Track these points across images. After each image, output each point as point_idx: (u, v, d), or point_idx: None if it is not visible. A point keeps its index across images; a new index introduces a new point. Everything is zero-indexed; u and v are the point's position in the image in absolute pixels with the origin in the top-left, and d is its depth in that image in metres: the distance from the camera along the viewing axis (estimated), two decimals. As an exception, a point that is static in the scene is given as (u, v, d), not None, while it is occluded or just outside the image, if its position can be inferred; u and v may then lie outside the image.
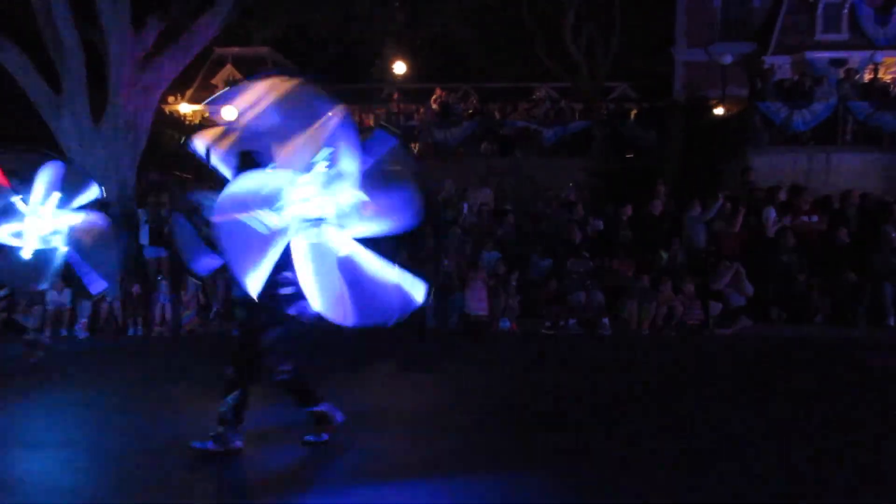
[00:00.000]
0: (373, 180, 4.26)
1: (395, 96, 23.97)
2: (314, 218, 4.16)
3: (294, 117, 4.09)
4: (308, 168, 4.14)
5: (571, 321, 9.90)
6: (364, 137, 4.33)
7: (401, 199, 4.33)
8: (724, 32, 25.19)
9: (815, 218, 11.26)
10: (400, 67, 24.05)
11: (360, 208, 4.24)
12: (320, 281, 4.17)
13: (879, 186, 12.86)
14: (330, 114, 4.13)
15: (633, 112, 17.69)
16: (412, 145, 17.11)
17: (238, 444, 4.58)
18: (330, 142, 4.13)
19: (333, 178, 4.17)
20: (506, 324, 9.87)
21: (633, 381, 7.01)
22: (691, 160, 13.89)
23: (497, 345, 9.19)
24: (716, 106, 16.83)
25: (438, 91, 18.59)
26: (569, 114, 17.49)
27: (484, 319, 9.74)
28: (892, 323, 9.89)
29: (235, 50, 28.42)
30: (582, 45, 24.31)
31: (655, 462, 4.60)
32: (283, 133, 4.10)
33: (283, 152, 4.11)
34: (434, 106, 17.81)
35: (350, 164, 4.19)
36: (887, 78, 19.42)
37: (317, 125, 4.08)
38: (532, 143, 16.57)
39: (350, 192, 4.22)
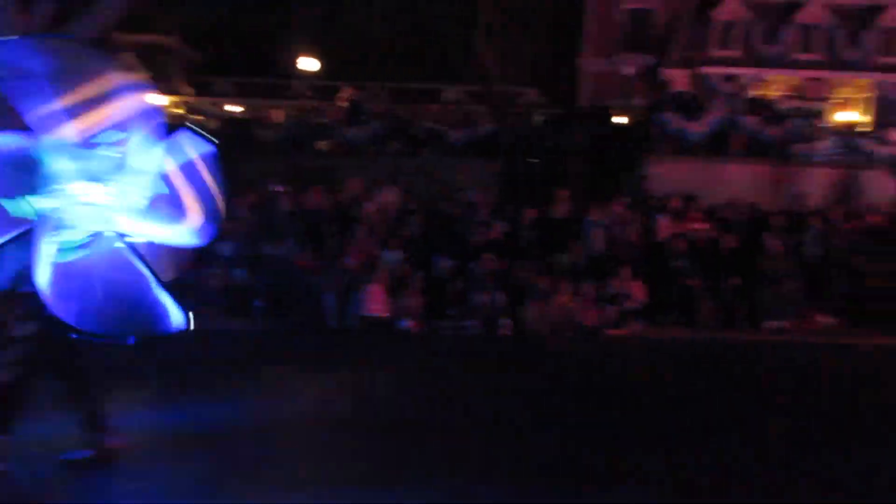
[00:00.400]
0: (175, 181, 3.86)
1: (307, 93, 23.66)
2: (91, 204, 3.72)
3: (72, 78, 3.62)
4: (89, 146, 3.68)
5: (473, 322, 10.00)
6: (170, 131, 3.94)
7: (202, 211, 3.89)
8: (628, 44, 26.17)
9: (705, 225, 11.83)
10: (312, 64, 23.73)
11: (150, 208, 3.81)
12: (74, 281, 3.71)
13: (766, 197, 13.59)
14: (116, 84, 3.71)
15: (540, 117, 18.11)
16: (322, 143, 16.93)
17: (114, 442, 4.36)
18: (123, 126, 3.72)
19: (120, 166, 3.75)
20: (406, 324, 9.87)
21: (523, 382, 7.15)
22: (593, 167, 14.32)
23: (393, 346, 9.14)
24: (617, 115, 17.42)
25: (347, 89, 18.46)
26: (478, 117, 17.73)
27: (381, 320, 9.71)
28: (770, 326, 10.48)
29: (137, 37, 27.33)
30: (494, 49, 24.64)
31: (530, 463, 4.70)
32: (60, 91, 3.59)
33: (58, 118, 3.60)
34: (343, 104, 17.67)
35: (143, 158, 3.80)
36: (775, 95, 20.65)
37: (96, 91, 3.63)
38: (441, 144, 16.67)
39: (139, 190, 3.80)
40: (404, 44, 25.36)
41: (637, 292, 10.37)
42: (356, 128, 16.24)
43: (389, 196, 12.75)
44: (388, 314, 9.79)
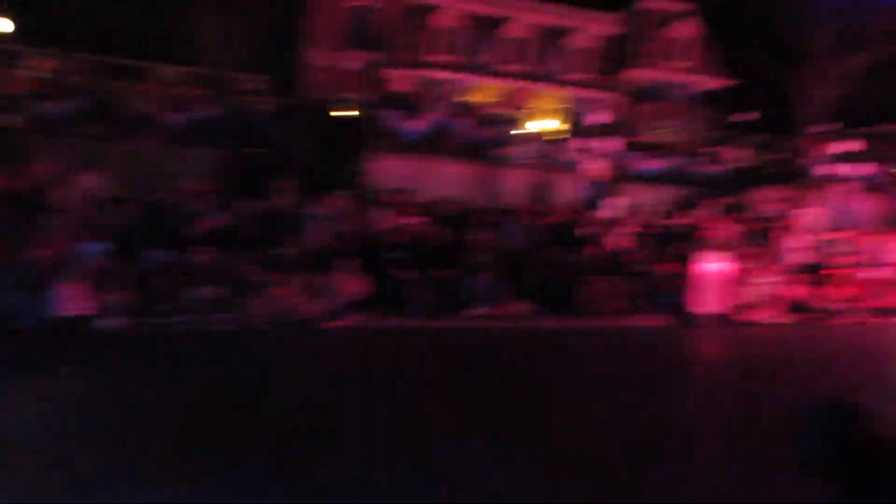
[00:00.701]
0: None
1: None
2: None
3: None
4: None
5: (188, 317, 9.54)
6: None
7: None
8: (352, 40, 26.67)
9: (420, 220, 12.54)
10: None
11: None
12: None
13: (475, 194, 14.75)
14: None
15: (266, 107, 17.73)
16: (7, 117, 14.84)
17: None
18: None
19: None
20: (112, 321, 9.10)
21: (234, 378, 7.02)
22: (316, 159, 14.40)
23: (94, 347, 8.39)
24: (341, 109, 17.68)
25: (45, 59, 16.43)
26: (199, 101, 16.82)
27: (82, 319, 8.84)
28: (476, 312, 11.42)
29: None
30: (214, 30, 23.51)
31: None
32: None
33: None
34: (39, 74, 15.68)
35: None
36: (488, 100, 22.46)
37: None
38: (156, 127, 15.54)
39: None
40: (110, 13, 23.14)
41: (356, 284, 10.67)
42: (51, 103, 14.50)
43: (90, 182, 11.61)
44: (90, 312, 8.93)
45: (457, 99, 17.13)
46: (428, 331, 10.31)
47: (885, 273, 13.53)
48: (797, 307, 12.57)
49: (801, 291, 12.77)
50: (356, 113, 15.96)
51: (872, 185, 17.37)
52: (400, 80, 25.53)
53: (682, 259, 12.55)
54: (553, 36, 30.79)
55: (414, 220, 12.45)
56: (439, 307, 11.34)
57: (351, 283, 10.58)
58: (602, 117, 21.02)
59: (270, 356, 8.36)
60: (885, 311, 13.06)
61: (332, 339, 9.59)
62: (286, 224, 11.45)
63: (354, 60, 23.09)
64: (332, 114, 16.09)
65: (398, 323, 10.58)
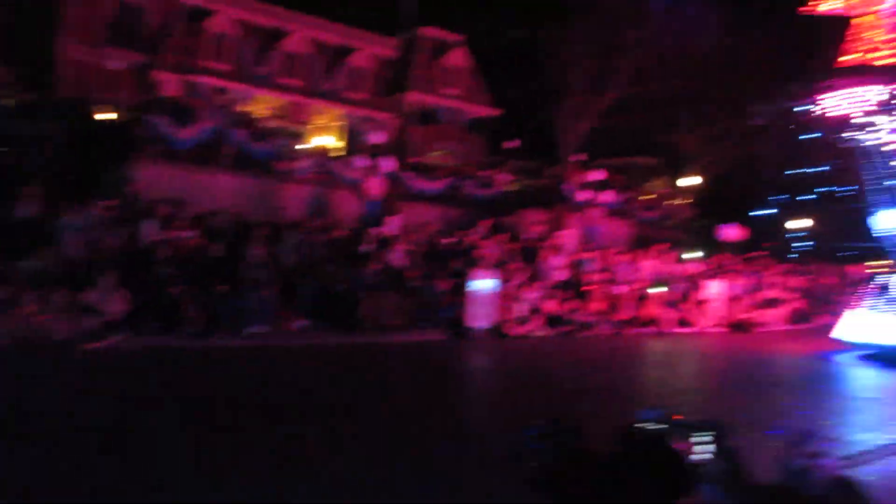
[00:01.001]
0: None
1: None
2: None
3: None
4: None
5: None
6: None
7: None
8: (116, 38, 24.58)
9: (191, 233, 11.82)
10: None
11: None
12: None
13: (250, 207, 14.23)
14: None
15: (9, 101, 15.68)
16: None
17: None
18: None
19: None
20: None
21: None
22: (70, 163, 13.06)
23: None
24: (101, 111, 16.21)
25: None
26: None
27: None
28: (252, 330, 10.96)
29: None
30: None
31: None
32: None
33: None
34: None
35: None
36: (261, 113, 21.85)
37: None
38: None
39: None
40: None
41: (118, 301, 9.78)
42: None
43: None
44: None
45: (232, 109, 16.43)
46: (198, 351, 9.68)
47: (628, 289, 15.19)
48: (557, 320, 13.65)
49: (560, 306, 13.90)
50: (120, 116, 14.69)
51: (617, 211, 19.52)
52: (170, 84, 23.99)
53: (457, 276, 13.12)
54: (332, 53, 30.87)
55: (185, 232, 11.73)
56: (212, 325, 10.74)
57: (112, 300, 9.68)
58: (379, 137, 21.38)
59: (14, 384, 7.31)
60: (628, 323, 14.65)
61: (87, 362, 8.61)
62: (33, 234, 10.22)
63: (119, 59, 21.16)
64: (92, 115, 14.67)
65: (166, 343, 9.83)
